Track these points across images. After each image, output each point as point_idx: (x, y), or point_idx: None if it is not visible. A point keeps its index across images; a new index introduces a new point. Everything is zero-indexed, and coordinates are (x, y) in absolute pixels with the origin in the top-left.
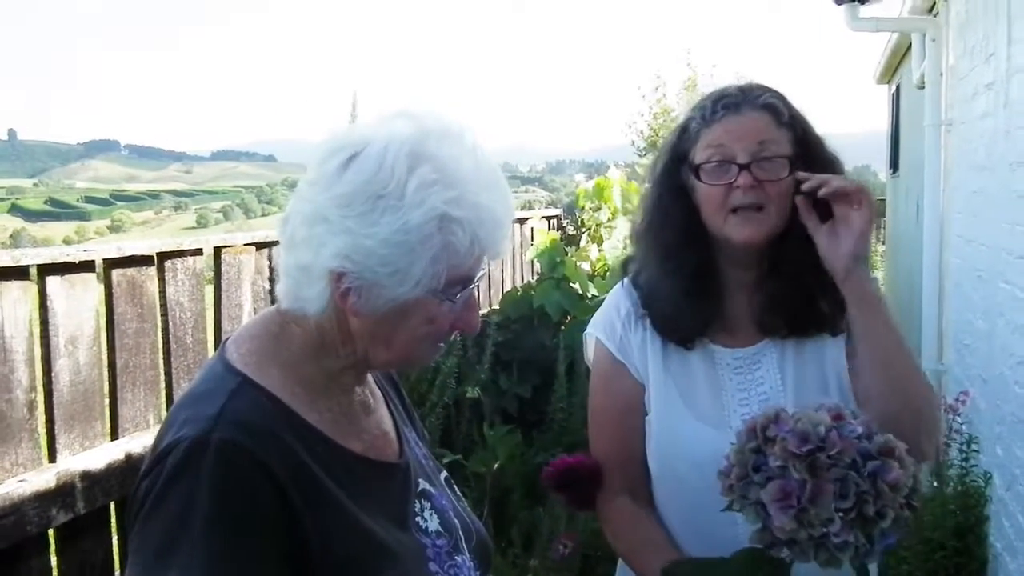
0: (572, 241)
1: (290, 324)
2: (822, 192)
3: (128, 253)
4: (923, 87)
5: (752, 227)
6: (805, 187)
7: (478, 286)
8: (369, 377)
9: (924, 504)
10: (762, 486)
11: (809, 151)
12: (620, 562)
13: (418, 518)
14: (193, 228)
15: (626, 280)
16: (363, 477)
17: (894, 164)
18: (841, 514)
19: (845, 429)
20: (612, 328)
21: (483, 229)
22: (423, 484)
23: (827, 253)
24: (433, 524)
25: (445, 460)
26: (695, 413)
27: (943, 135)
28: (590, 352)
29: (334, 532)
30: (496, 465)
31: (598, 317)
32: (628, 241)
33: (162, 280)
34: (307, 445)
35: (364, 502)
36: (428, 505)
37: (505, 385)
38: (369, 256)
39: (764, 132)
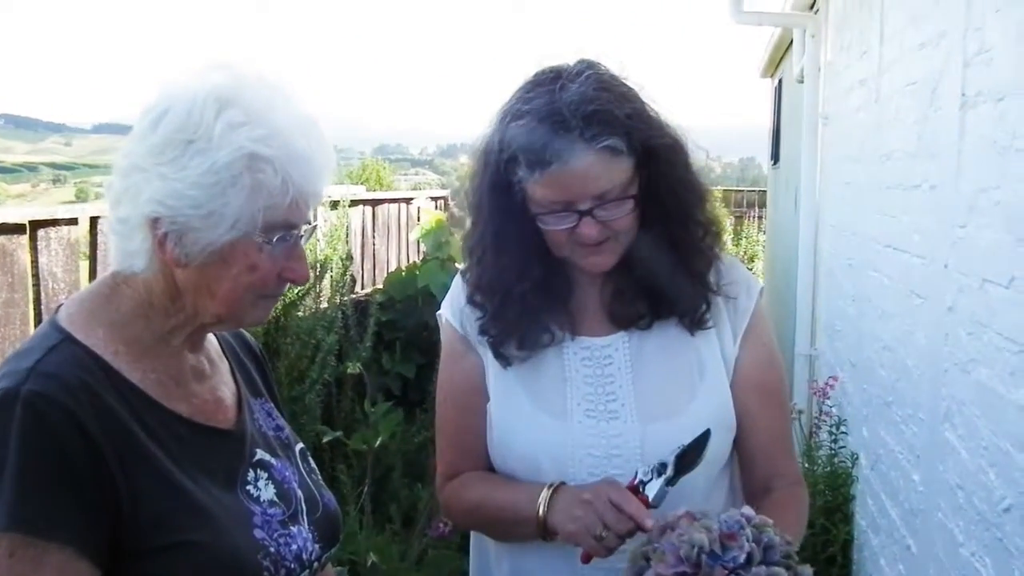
0: (459, 223)
1: (121, 285)
2: None
3: None
4: (803, 81)
5: (601, 257)
6: None
7: (309, 238)
8: (210, 347)
9: None
10: None
11: (653, 157)
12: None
13: (249, 486)
14: (72, 202)
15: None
16: (188, 440)
17: (775, 156)
18: None
19: (727, 555)
20: (457, 306)
21: (295, 169)
22: (261, 454)
23: None
24: (267, 494)
25: (326, 438)
26: (536, 401)
27: (820, 128)
28: (443, 334)
29: (147, 490)
30: (377, 442)
31: (447, 298)
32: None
33: (34, 249)
34: (127, 403)
35: (186, 464)
36: (265, 475)
37: (388, 364)
38: (181, 199)
39: (604, 178)
